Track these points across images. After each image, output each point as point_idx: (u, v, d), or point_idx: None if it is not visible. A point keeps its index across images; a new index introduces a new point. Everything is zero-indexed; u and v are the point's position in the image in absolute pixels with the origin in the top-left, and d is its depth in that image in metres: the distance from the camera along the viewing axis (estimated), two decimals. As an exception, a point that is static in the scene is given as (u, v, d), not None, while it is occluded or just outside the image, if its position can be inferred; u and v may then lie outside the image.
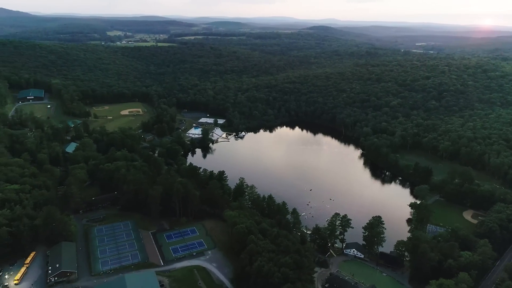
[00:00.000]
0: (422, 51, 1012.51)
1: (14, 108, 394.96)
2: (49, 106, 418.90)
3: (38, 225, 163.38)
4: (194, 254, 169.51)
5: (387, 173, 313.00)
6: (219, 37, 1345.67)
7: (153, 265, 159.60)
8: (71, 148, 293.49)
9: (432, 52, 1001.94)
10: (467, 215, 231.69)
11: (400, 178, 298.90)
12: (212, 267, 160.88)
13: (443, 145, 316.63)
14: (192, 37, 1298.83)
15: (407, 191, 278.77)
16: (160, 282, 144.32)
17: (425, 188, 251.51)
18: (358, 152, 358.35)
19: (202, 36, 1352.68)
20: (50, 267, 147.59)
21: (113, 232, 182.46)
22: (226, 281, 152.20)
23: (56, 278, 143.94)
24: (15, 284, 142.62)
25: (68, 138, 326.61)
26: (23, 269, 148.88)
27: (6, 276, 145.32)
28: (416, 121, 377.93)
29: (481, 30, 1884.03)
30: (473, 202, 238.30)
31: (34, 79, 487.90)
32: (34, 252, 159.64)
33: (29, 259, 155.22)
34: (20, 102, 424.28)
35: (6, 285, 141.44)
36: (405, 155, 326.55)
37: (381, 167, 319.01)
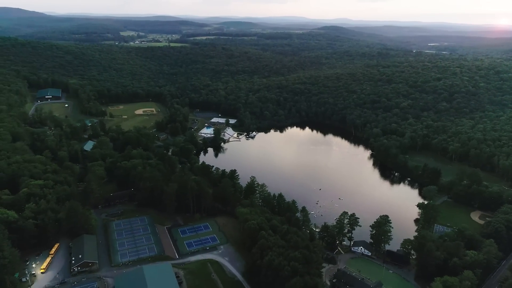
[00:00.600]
0: (434, 52, 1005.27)
1: (33, 107, 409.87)
2: (66, 105, 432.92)
3: (62, 218, 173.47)
4: (208, 248, 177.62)
5: (396, 174, 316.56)
6: (230, 37, 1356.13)
7: (169, 258, 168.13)
8: (88, 146, 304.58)
9: (444, 52, 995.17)
10: (475, 216, 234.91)
11: (409, 179, 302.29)
12: (224, 261, 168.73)
13: (453, 147, 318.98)
14: (204, 37, 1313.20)
15: (415, 192, 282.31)
16: (176, 273, 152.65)
17: (433, 189, 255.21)
18: (368, 153, 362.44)
19: (214, 36, 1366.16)
20: (73, 258, 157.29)
21: (130, 226, 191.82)
22: (238, 274, 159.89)
23: (79, 268, 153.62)
24: (41, 272, 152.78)
25: (85, 136, 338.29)
26: (48, 259, 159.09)
27: (33, 265, 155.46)
28: (426, 122, 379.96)
29: (496, 30, 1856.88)
30: (481, 203, 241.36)
31: (52, 78, 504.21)
32: (57, 244, 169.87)
33: (53, 250, 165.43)
34: (39, 101, 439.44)
35: (33, 273, 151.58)
36: (415, 156, 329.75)
37: (390, 168, 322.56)
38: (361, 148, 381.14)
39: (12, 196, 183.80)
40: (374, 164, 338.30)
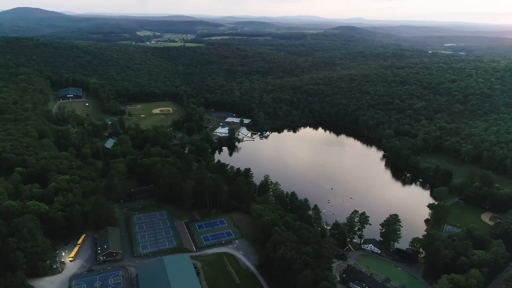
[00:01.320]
0: (450, 53, 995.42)
1: (56, 106, 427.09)
2: (87, 104, 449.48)
3: (88, 211, 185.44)
4: (223, 242, 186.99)
5: (408, 175, 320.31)
6: (244, 37, 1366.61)
7: (187, 250, 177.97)
8: (109, 144, 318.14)
9: (461, 53, 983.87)
10: (485, 218, 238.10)
11: (420, 180, 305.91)
12: (239, 254, 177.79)
13: (465, 149, 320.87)
14: (219, 37, 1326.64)
15: (427, 192, 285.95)
16: (194, 265, 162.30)
17: (444, 190, 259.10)
18: (380, 153, 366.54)
19: (228, 37, 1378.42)
20: (99, 248, 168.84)
21: (150, 220, 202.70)
22: (251, 267, 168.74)
23: (104, 257, 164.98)
24: (70, 260, 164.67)
25: (106, 134, 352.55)
26: (76, 248, 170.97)
27: (63, 254, 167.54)
28: (439, 124, 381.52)
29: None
30: (491, 204, 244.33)
31: (73, 78, 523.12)
32: (84, 235, 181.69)
33: (80, 240, 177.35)
34: (61, 100, 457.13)
35: (63, 261, 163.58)
36: (427, 157, 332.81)
37: (402, 169, 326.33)
38: (373, 149, 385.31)
39: (42, 190, 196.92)
40: (386, 165, 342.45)
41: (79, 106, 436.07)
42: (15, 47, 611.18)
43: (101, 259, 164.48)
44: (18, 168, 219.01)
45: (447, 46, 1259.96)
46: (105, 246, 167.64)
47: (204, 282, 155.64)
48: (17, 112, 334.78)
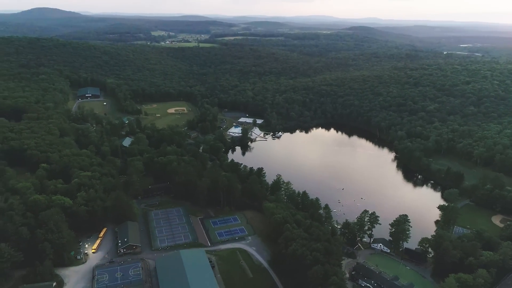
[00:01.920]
0: (466, 53, 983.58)
1: (76, 105, 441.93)
2: (105, 103, 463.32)
3: (109, 206, 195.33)
4: (236, 238, 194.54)
5: (419, 176, 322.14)
6: (258, 37, 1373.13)
7: (202, 245, 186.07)
8: (126, 142, 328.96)
9: (477, 54, 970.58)
10: (496, 220, 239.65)
11: (432, 181, 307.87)
12: (252, 250, 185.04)
13: (478, 151, 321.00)
14: (232, 38, 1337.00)
15: (438, 194, 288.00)
16: (208, 259, 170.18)
17: (455, 191, 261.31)
18: (392, 155, 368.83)
19: (242, 37, 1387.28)
20: (119, 241, 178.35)
21: (167, 216, 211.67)
22: (264, 262, 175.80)
23: (124, 250, 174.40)
24: (93, 252, 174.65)
25: (123, 133, 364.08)
26: (98, 241, 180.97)
27: (86, 246, 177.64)
28: (452, 126, 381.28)
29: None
30: (502, 207, 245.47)
31: (91, 78, 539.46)
32: (105, 228, 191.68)
33: (101, 233, 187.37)
34: (80, 99, 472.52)
35: (86, 253, 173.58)
36: (439, 159, 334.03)
37: (413, 171, 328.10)
38: (385, 150, 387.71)
39: (66, 185, 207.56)
40: (398, 166, 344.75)
41: (97, 105, 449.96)
42: (36, 48, 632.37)
43: (122, 251, 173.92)
44: (42, 165, 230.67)
45: (462, 47, 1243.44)
46: (125, 239, 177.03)
47: (219, 275, 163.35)
48: (40, 111, 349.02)
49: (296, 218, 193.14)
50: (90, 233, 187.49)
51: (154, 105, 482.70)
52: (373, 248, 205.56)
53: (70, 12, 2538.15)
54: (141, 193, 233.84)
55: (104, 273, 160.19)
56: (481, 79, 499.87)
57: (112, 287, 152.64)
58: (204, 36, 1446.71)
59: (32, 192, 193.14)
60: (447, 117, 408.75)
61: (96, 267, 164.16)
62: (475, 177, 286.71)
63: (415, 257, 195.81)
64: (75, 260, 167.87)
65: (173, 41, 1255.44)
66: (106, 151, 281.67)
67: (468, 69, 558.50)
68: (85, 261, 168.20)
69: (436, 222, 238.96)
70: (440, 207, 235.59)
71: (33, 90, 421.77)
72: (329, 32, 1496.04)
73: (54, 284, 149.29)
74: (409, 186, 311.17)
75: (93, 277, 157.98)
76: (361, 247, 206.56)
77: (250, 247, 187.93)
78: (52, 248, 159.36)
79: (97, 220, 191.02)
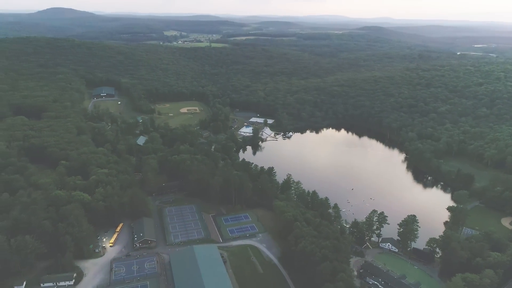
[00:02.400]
0: (480, 54, 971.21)
1: (91, 104, 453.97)
2: (119, 102, 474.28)
3: (125, 202, 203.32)
4: (247, 235, 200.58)
5: (429, 178, 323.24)
6: (269, 37, 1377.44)
7: (214, 241, 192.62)
8: (140, 141, 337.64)
9: (492, 55, 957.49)
10: (506, 222, 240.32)
11: (442, 183, 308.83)
12: (262, 247, 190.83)
13: (489, 153, 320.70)
14: (244, 38, 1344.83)
15: (448, 196, 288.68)
16: (221, 254, 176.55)
17: (465, 193, 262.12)
18: (402, 156, 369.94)
19: (254, 37, 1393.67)
20: (135, 236, 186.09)
21: (181, 212, 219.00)
22: (274, 259, 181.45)
23: (140, 244, 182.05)
24: (110, 246, 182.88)
25: (137, 132, 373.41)
26: (115, 235, 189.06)
27: (104, 240, 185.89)
28: (464, 128, 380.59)
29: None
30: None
31: (106, 77, 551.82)
32: (122, 223, 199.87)
33: (118, 228, 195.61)
34: (95, 98, 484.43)
35: (104, 246, 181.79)
36: (450, 161, 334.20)
37: (423, 172, 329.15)
38: (395, 151, 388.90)
39: (84, 182, 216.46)
40: (408, 168, 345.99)
41: (112, 104, 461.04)
42: (53, 48, 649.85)
43: (137, 245, 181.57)
44: (62, 162, 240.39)
45: (477, 47, 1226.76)
46: (141, 234, 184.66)
47: (230, 270, 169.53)
48: (58, 109, 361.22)
49: (305, 217, 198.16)
50: (107, 227, 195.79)
51: (167, 105, 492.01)
52: (381, 248, 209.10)
53: (84, 12, 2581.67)
54: (156, 190, 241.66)
55: (121, 266, 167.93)
56: (494, 80, 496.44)
57: (129, 279, 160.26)
58: (215, 36, 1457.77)
59: (53, 188, 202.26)
60: (459, 119, 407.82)
61: (114, 260, 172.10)
62: (486, 179, 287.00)
63: (422, 257, 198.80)
64: (94, 253, 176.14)
65: (185, 41, 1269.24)
66: (122, 149, 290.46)
67: (481, 70, 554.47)
68: (103, 254, 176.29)
69: (445, 223, 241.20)
70: (449, 208, 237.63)
71: (51, 90, 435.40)
72: (340, 32, 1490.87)
73: (75, 275, 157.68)
74: (419, 187, 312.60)
75: (111, 270, 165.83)
76: (370, 246, 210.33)
77: (260, 244, 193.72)
78: (73, 241, 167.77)
79: (114, 215, 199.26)
